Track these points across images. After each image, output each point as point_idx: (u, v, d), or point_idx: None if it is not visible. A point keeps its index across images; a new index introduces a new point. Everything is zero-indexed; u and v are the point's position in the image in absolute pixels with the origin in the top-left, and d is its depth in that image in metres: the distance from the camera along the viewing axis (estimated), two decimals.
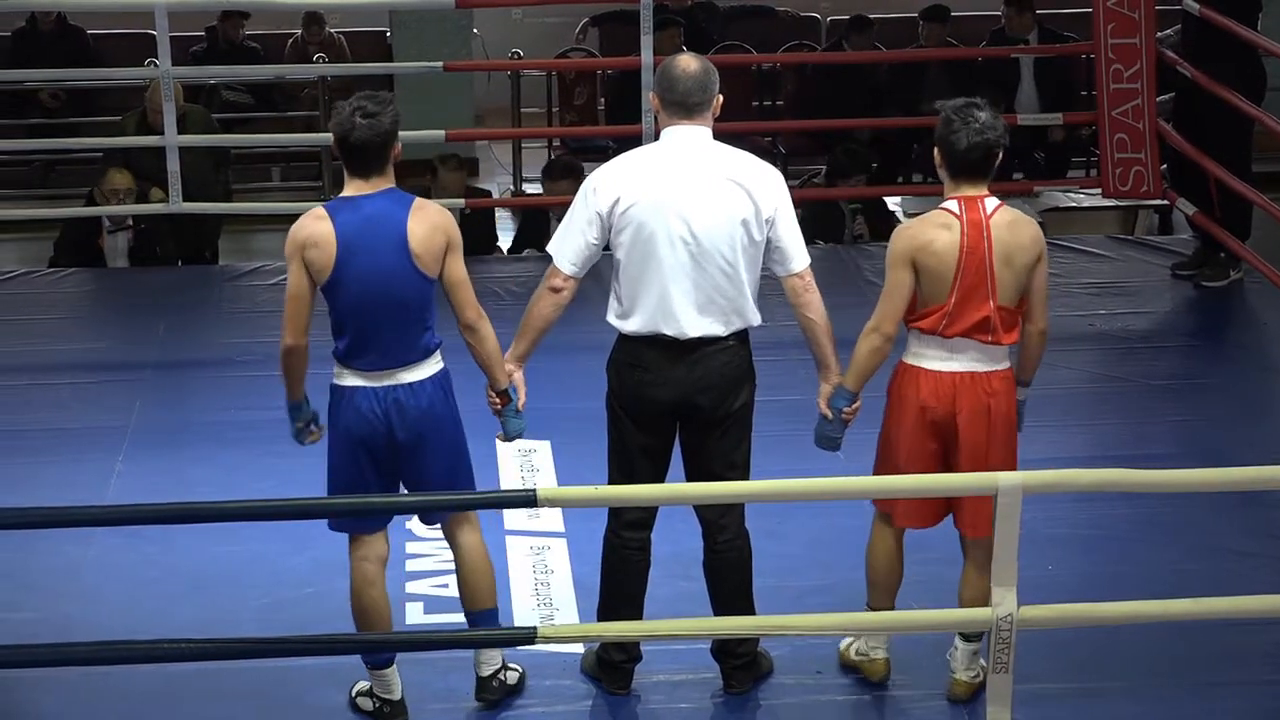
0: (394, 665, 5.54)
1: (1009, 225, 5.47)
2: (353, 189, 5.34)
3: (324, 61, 12.50)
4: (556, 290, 5.50)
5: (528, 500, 5.25)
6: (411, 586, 6.32)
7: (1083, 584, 6.18)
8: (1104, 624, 5.50)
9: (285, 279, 9.42)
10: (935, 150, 5.53)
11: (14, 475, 7.16)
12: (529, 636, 5.32)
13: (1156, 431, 7.61)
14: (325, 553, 6.43)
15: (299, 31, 12.93)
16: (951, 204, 5.47)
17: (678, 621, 5.59)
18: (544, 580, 6.38)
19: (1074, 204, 11.18)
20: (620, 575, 5.68)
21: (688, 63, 5.50)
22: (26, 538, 6.21)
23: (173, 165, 9.15)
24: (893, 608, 5.69)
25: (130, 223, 9.98)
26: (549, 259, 5.55)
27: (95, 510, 5.98)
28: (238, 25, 12.65)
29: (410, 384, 5.36)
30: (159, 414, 7.79)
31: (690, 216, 5.42)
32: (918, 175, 12.24)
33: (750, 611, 5.65)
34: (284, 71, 12.92)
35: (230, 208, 10.09)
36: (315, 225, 5.30)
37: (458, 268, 5.39)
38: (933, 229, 5.44)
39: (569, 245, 5.49)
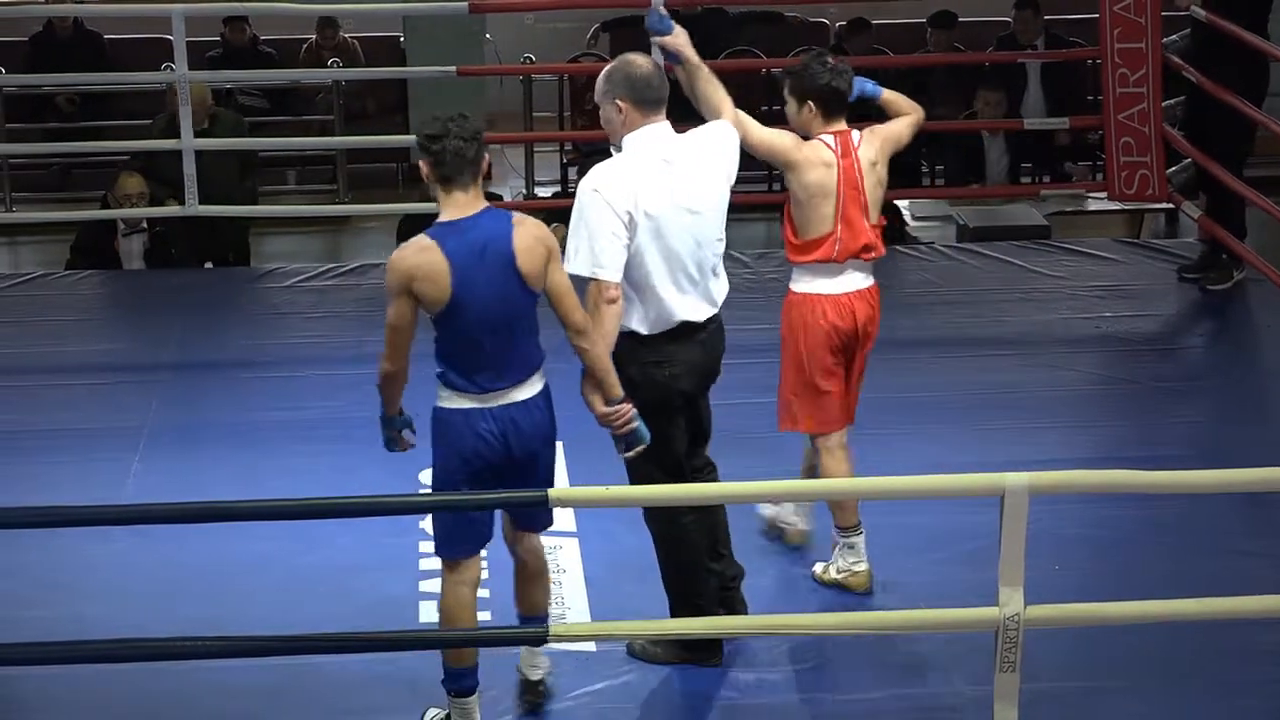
0: (477, 694, 5.49)
1: (869, 145, 6.19)
2: (457, 208, 5.27)
3: (338, 66, 12.55)
4: (614, 301, 5.52)
5: (539, 501, 5.31)
6: (425, 585, 6.36)
7: (1089, 584, 6.20)
8: (1110, 624, 5.52)
9: (300, 280, 9.54)
10: (808, 101, 6.13)
11: (32, 475, 7.21)
12: (541, 635, 5.39)
13: (1163, 433, 7.63)
14: (339, 552, 6.50)
15: (313, 36, 12.98)
16: (828, 138, 6.13)
17: (683, 620, 5.65)
18: (556, 579, 6.42)
19: (1080, 207, 11.23)
20: (693, 557, 5.77)
21: (646, 61, 5.67)
22: (44, 536, 6.26)
23: (189, 168, 9.21)
24: (856, 513, 6.16)
25: (145, 226, 10.05)
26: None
27: (112, 510, 6.03)
28: (241, 29, 12.70)
29: (523, 401, 5.33)
30: (175, 414, 7.84)
31: (693, 204, 5.62)
32: (925, 179, 12.29)
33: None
34: (299, 76, 12.97)
35: (246, 210, 10.15)
36: (423, 257, 5.21)
37: (561, 277, 5.35)
38: (820, 168, 6.09)
39: (609, 256, 5.49)
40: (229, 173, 10.19)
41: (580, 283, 5.47)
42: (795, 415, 6.24)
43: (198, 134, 9.90)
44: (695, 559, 5.81)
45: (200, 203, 9.39)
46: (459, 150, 5.20)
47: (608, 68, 5.71)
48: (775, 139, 6.12)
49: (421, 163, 5.28)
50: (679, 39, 5.97)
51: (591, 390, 5.45)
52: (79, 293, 9.51)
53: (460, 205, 5.26)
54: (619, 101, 5.61)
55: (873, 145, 6.20)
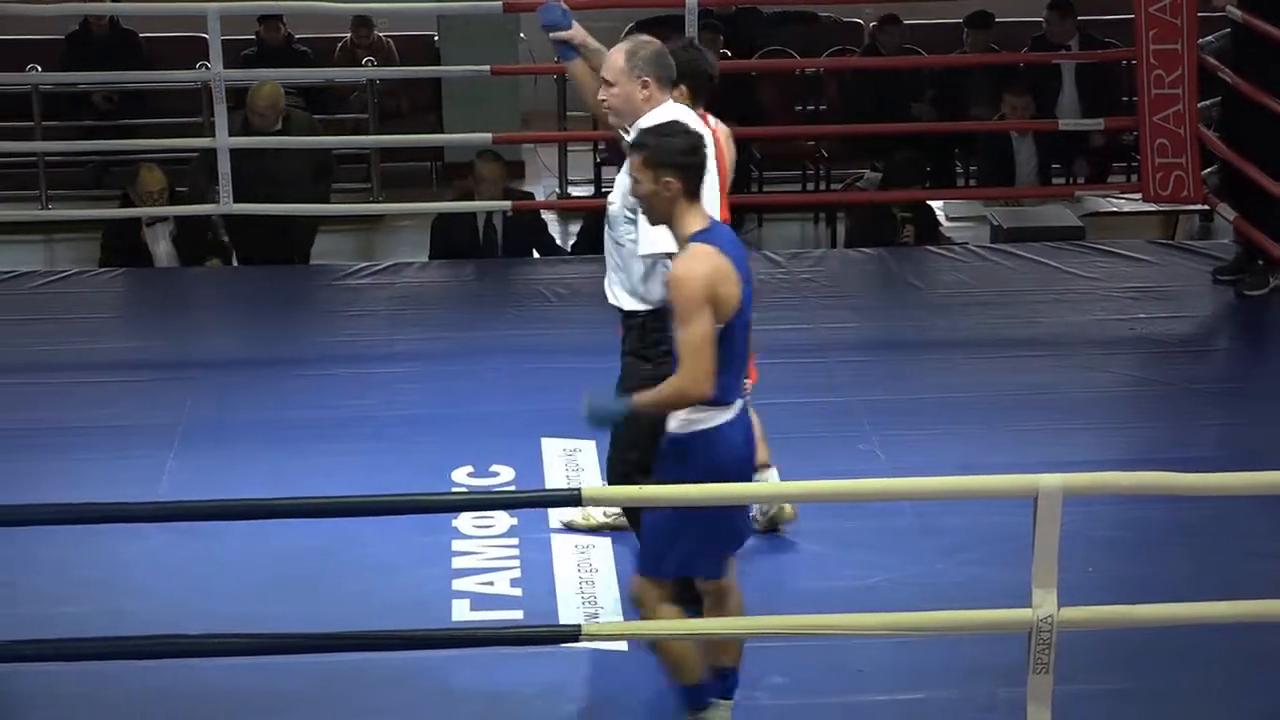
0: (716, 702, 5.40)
1: (720, 127, 6.19)
2: (702, 218, 5.13)
3: (372, 65, 12.58)
4: None
5: (573, 499, 5.31)
6: (458, 584, 6.38)
7: (1122, 586, 6.18)
8: (1144, 626, 5.49)
9: (334, 279, 9.56)
10: (682, 84, 5.97)
11: (67, 471, 7.23)
12: (573, 634, 5.39)
13: (1196, 435, 7.61)
14: (372, 551, 6.51)
15: (348, 35, 13.01)
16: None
17: (716, 620, 5.65)
18: (588, 579, 6.43)
19: (1115, 209, 11.19)
20: None
21: (658, 40, 5.80)
22: (79, 533, 6.25)
23: (223, 166, 9.25)
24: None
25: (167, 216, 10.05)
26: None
27: (147, 507, 6.07)
28: (276, 28, 12.73)
29: (745, 400, 5.25)
30: (210, 412, 7.85)
31: (713, 177, 5.69)
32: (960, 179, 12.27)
33: None
34: (333, 75, 13.00)
35: (279, 209, 10.15)
36: (717, 260, 5.03)
37: None
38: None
39: None
40: (302, 178, 10.12)
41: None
42: None
43: (271, 135, 9.90)
44: None
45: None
46: (705, 161, 5.13)
47: (627, 46, 5.76)
48: None
49: (668, 179, 5.05)
50: (579, 32, 6.06)
51: None
52: (114, 290, 9.54)
53: (702, 214, 5.14)
54: (645, 78, 5.65)
55: (722, 128, 6.27)
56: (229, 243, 10.24)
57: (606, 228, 5.89)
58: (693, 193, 5.09)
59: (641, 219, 5.53)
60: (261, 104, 9.93)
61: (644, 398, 5.14)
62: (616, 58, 5.74)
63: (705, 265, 5.02)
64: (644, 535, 5.29)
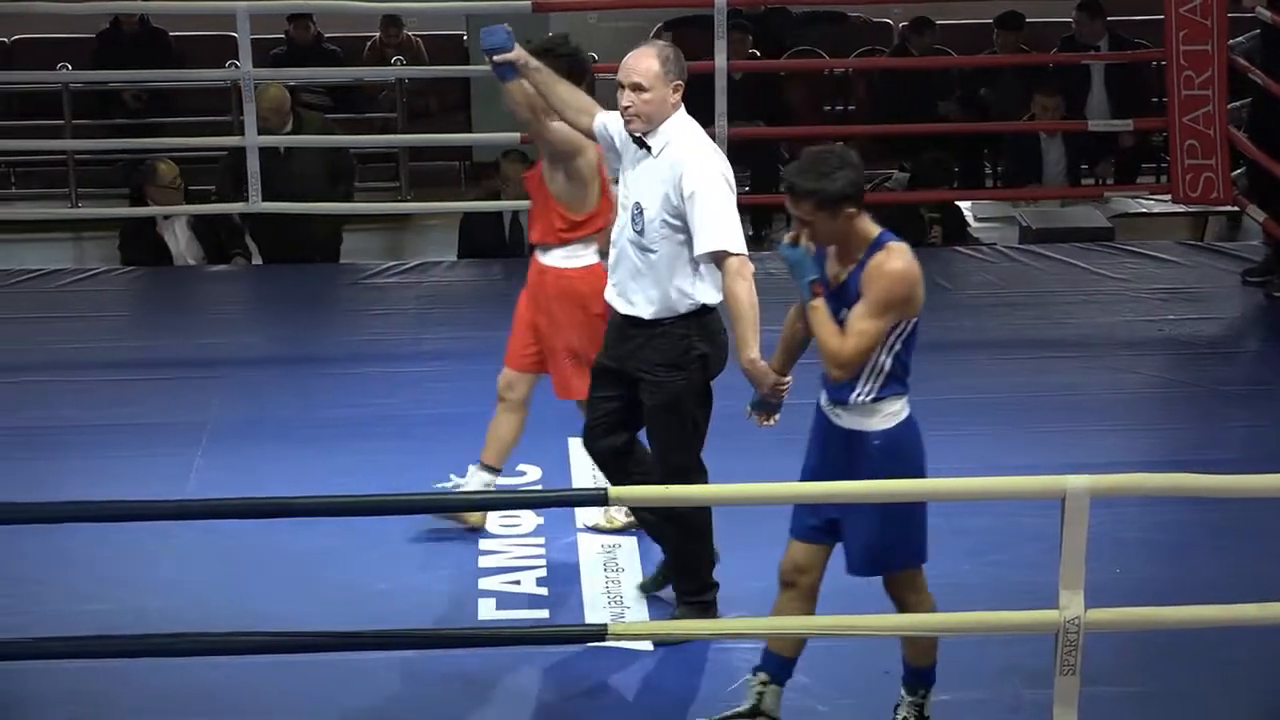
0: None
1: None
2: (871, 221, 5.17)
3: (401, 64, 12.59)
4: (752, 274, 5.63)
5: (599, 499, 5.30)
6: (484, 583, 6.38)
7: (1150, 587, 6.16)
8: (1171, 628, 5.49)
9: (362, 278, 9.57)
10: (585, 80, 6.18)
11: (94, 469, 7.26)
12: (600, 633, 5.39)
13: (1224, 436, 7.60)
14: (399, 549, 6.52)
15: (377, 34, 13.04)
16: None
17: (744, 620, 5.66)
18: (614, 578, 6.43)
19: (1144, 210, 11.17)
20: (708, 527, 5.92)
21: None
22: (106, 530, 6.28)
23: (253, 165, 9.27)
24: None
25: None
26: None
27: (175, 505, 6.07)
28: (306, 27, 12.75)
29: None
30: (238, 410, 7.88)
31: None
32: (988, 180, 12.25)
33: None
34: (362, 74, 13.02)
35: (304, 208, 10.17)
36: (916, 260, 5.12)
37: None
38: (593, 148, 6.20)
39: (740, 231, 5.64)
40: (318, 181, 10.11)
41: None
42: (578, 386, 6.28)
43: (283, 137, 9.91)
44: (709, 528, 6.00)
45: None
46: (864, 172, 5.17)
47: (655, 51, 5.73)
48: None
49: (849, 210, 5.06)
50: (521, 53, 6.04)
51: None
52: (142, 288, 9.57)
53: (868, 217, 5.17)
54: (678, 82, 5.65)
55: None
56: (224, 239, 10.27)
57: (630, 232, 5.77)
58: (862, 208, 5.11)
59: (698, 219, 5.54)
60: (265, 107, 9.85)
61: (820, 315, 5.10)
62: (649, 63, 5.67)
63: (914, 261, 5.11)
64: (895, 532, 5.30)
